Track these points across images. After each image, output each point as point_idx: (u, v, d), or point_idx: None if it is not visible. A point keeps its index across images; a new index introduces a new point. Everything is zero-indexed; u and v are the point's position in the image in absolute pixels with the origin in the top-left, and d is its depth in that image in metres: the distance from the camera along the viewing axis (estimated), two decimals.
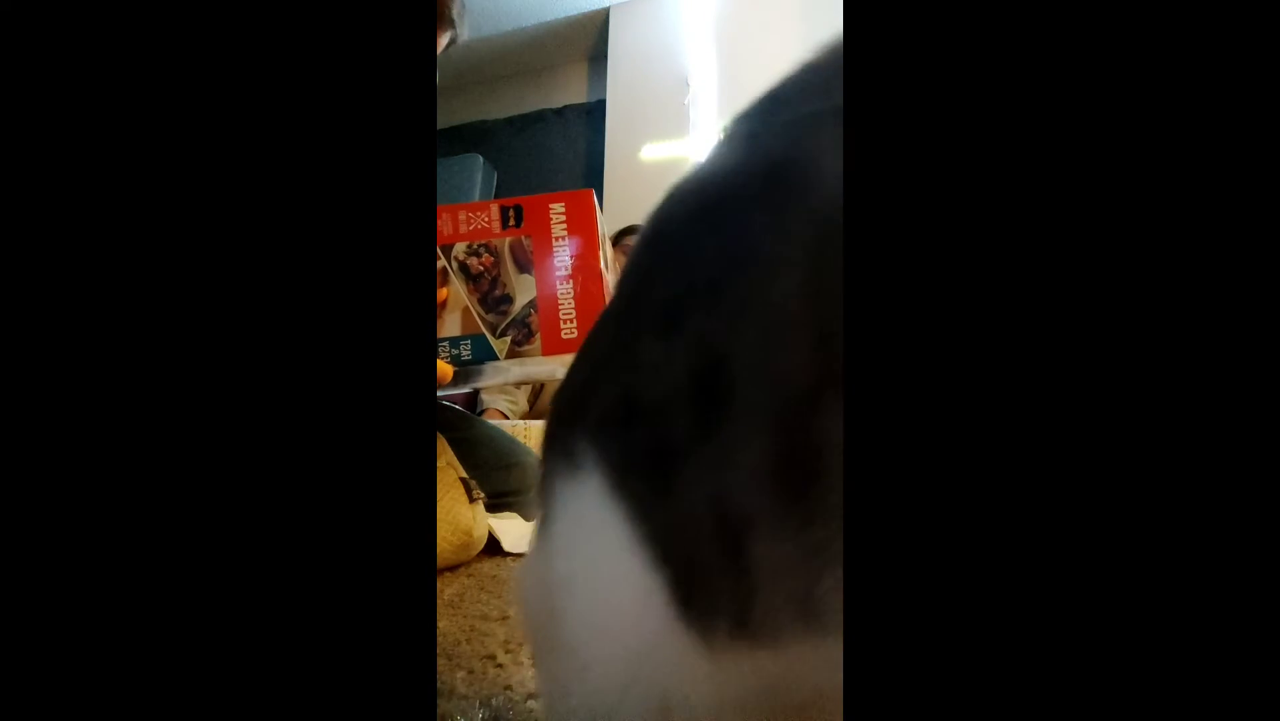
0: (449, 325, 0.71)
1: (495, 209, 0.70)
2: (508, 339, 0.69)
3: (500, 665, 0.52)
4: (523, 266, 0.69)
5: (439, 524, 0.81)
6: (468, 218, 0.70)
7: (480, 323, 0.70)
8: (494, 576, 0.82)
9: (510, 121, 3.48)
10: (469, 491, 0.87)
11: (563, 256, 0.69)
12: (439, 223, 0.68)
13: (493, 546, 0.93)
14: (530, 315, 0.69)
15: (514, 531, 0.98)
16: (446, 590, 0.74)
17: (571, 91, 3.39)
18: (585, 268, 0.69)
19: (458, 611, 0.66)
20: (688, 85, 2.81)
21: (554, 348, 0.69)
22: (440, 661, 0.52)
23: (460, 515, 0.85)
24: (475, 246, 0.69)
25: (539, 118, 3.42)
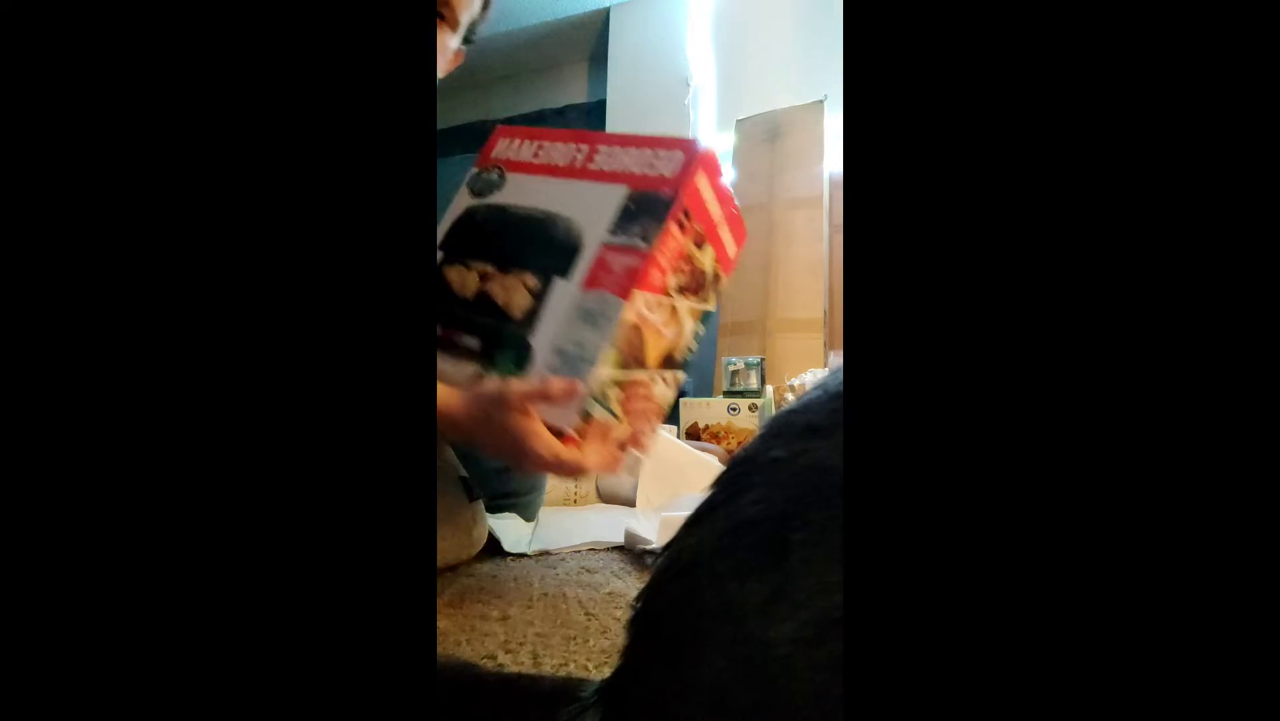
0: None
1: (674, 229, 0.72)
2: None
3: (500, 665, 0.52)
4: (700, 244, 0.76)
5: (439, 524, 0.81)
6: (669, 259, 0.73)
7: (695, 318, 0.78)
8: (494, 576, 0.82)
9: (510, 121, 3.49)
10: (469, 491, 0.87)
11: (715, 214, 0.76)
12: (646, 275, 0.69)
13: (493, 546, 0.93)
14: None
15: (514, 532, 0.98)
16: (446, 590, 0.74)
17: (571, 91, 3.39)
18: (725, 202, 0.76)
19: (458, 611, 0.66)
20: (688, 85, 2.80)
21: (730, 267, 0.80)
22: (440, 661, 0.52)
23: (460, 515, 0.85)
24: (679, 266, 0.75)
25: (539, 118, 3.42)
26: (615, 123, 2.96)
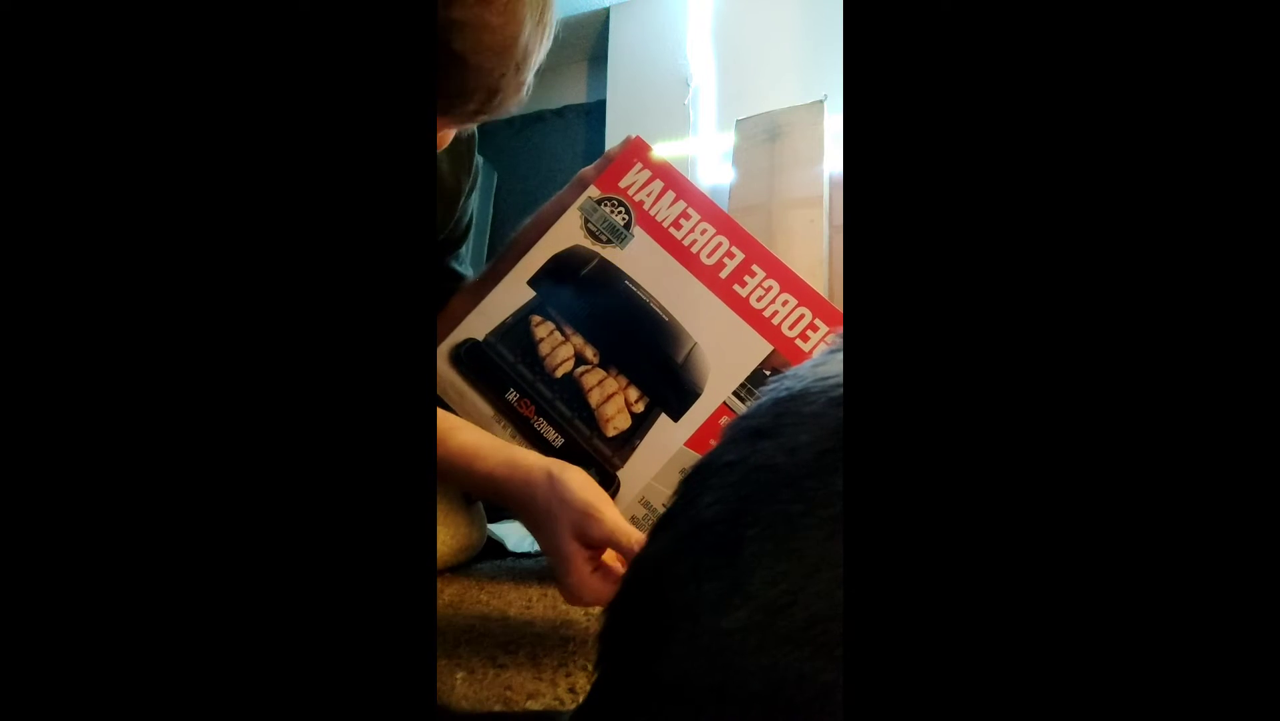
0: None
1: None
2: None
3: (501, 665, 0.52)
4: None
5: (439, 524, 0.81)
6: None
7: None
8: (494, 577, 0.82)
9: (510, 122, 3.47)
10: (466, 494, 0.87)
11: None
12: None
13: (493, 548, 0.93)
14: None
15: (517, 533, 0.98)
16: (446, 590, 0.74)
17: (571, 91, 3.38)
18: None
19: (458, 611, 0.66)
20: (688, 85, 2.80)
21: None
22: (440, 661, 0.52)
23: (460, 515, 0.85)
24: None
25: (538, 118, 3.41)
26: (615, 123, 2.96)
